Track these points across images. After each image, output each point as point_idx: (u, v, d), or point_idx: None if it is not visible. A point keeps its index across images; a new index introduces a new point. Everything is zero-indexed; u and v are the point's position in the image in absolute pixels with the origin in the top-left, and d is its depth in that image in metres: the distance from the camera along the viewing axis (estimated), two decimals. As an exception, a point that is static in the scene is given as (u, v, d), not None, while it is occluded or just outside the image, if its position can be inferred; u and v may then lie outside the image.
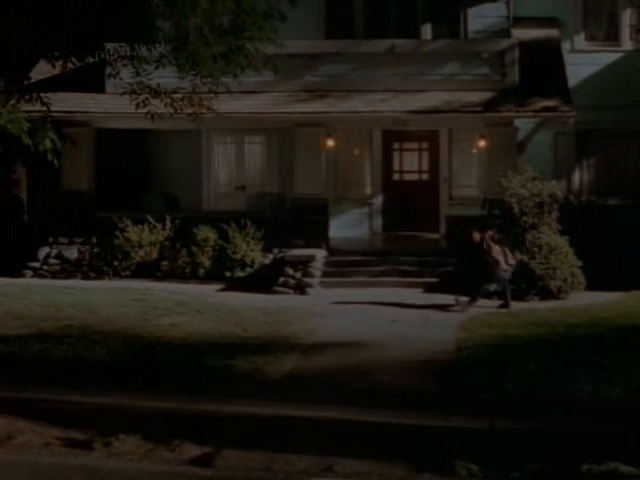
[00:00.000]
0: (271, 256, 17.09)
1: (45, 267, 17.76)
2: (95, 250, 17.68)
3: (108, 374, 10.17)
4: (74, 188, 18.08)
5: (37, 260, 17.84)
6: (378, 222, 19.63)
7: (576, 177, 19.74)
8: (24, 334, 12.18)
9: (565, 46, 18.97)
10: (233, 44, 8.55)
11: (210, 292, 16.03)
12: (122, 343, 11.68)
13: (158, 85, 10.03)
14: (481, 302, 14.94)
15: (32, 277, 17.59)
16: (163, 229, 17.39)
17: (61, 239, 17.94)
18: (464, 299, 14.66)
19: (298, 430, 8.06)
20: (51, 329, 12.53)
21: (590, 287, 15.77)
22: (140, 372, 10.24)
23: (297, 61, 16.69)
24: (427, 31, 18.73)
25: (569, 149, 19.46)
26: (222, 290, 16.32)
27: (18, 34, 10.07)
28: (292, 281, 16.03)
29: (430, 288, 16.00)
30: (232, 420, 8.33)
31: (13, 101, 9.09)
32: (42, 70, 16.10)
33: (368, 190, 19.65)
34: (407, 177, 19.94)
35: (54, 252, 17.86)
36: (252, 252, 16.81)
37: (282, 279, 16.06)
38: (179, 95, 9.83)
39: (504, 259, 14.94)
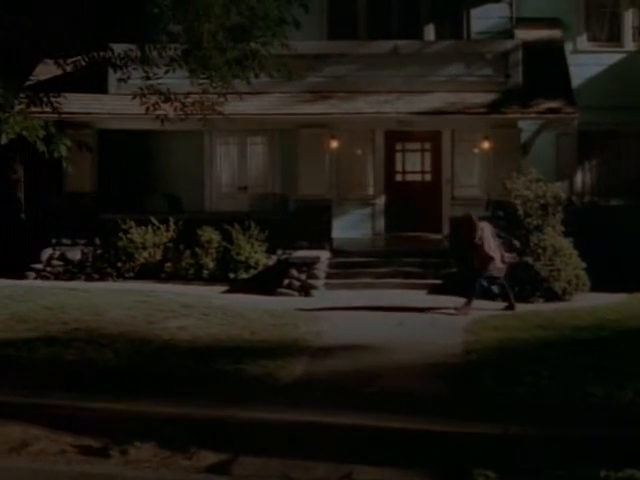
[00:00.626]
0: (275, 257, 17.08)
1: (48, 268, 17.73)
2: (98, 251, 17.66)
3: (119, 379, 10.13)
4: (76, 189, 18.05)
5: (40, 261, 17.80)
6: (380, 223, 19.62)
7: (578, 178, 19.76)
8: (31, 338, 12.14)
9: (567, 47, 18.97)
10: (247, 50, 8.54)
11: (214, 294, 16.01)
12: (131, 347, 11.65)
13: (168, 90, 9.99)
14: (485, 304, 14.95)
15: (35, 279, 17.56)
16: (167, 230, 17.36)
17: (64, 240, 17.90)
18: (462, 303, 14.53)
19: (313, 436, 8.05)
20: (58, 332, 12.48)
21: (593, 288, 15.81)
22: (151, 377, 10.21)
23: (300, 62, 16.64)
24: (430, 32, 18.72)
25: (571, 150, 19.47)
26: (226, 292, 16.30)
27: (21, 33, 10.06)
28: (297, 283, 16.03)
29: (434, 290, 16.02)
30: (247, 426, 8.31)
31: (22, 105, 9.03)
32: (41, 70, 16.11)
33: (370, 191, 19.65)
34: (409, 178, 19.93)
35: (57, 253, 17.83)
36: (256, 253, 16.80)
37: (287, 281, 16.06)
38: (190, 100, 9.79)
39: (500, 257, 14.71)
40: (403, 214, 19.52)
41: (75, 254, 17.77)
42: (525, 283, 15.50)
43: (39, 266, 17.76)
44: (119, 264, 17.31)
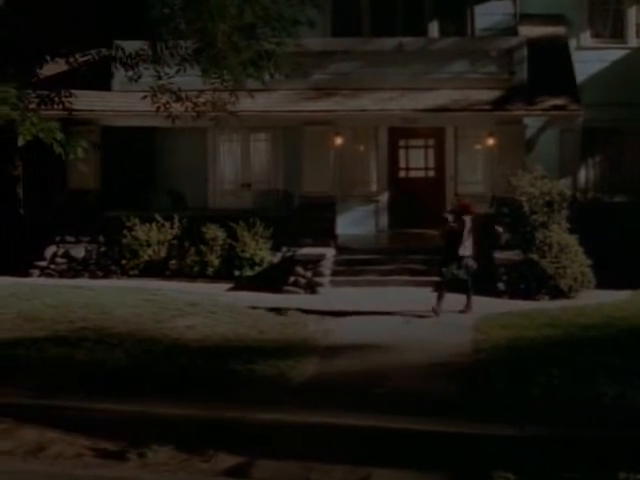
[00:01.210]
0: (280, 255, 17.05)
1: (52, 266, 17.68)
2: (102, 249, 17.61)
3: (130, 379, 10.11)
4: (80, 186, 17.96)
5: (43, 259, 17.75)
6: (384, 219, 19.60)
7: (582, 174, 19.76)
8: (39, 337, 12.12)
9: (571, 43, 18.95)
10: (262, 50, 8.52)
11: (220, 291, 15.99)
12: (140, 346, 11.63)
13: (179, 89, 9.96)
14: (491, 301, 14.97)
15: (39, 276, 17.50)
16: (171, 228, 17.33)
17: (68, 238, 17.85)
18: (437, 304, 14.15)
19: (329, 438, 8.05)
20: (66, 332, 12.47)
21: (598, 285, 15.81)
22: (162, 377, 10.20)
23: (305, 59, 16.59)
24: (434, 29, 18.69)
25: (575, 146, 19.45)
26: (232, 289, 16.28)
27: (29, 31, 10.02)
28: (302, 280, 16.02)
29: (440, 287, 15.94)
30: (262, 427, 8.31)
31: (33, 104, 8.99)
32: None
33: (374, 187, 19.62)
34: (413, 174, 19.92)
35: (61, 251, 17.78)
36: (261, 251, 16.78)
37: (292, 278, 16.04)
38: (202, 99, 9.75)
39: (470, 245, 14.39)
40: (406, 211, 19.49)
41: (79, 252, 17.72)
42: (530, 280, 15.52)
43: (43, 264, 17.71)
44: (123, 261, 17.27)
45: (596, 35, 19.58)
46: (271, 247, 17.00)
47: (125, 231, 17.28)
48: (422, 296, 15.45)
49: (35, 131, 7.53)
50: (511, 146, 17.02)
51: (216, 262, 16.90)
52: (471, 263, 14.48)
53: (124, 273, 17.26)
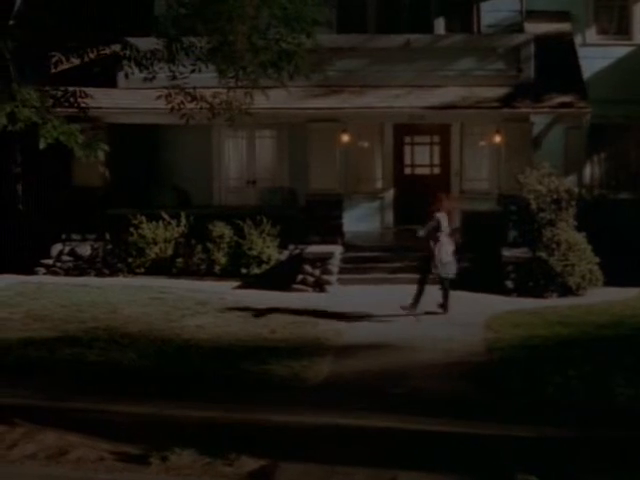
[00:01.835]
0: (287, 252, 17.01)
1: (58, 264, 17.61)
2: (108, 247, 17.54)
3: (145, 381, 10.09)
4: (85, 184, 17.89)
5: (49, 257, 17.68)
6: (389, 216, 19.56)
7: (587, 171, 19.74)
8: (50, 337, 12.08)
9: (576, 40, 18.89)
10: (282, 51, 8.47)
11: (228, 290, 15.94)
12: (152, 347, 11.61)
13: (194, 88, 9.90)
14: (499, 299, 14.97)
15: (45, 274, 17.42)
16: (177, 225, 17.27)
17: (73, 236, 17.78)
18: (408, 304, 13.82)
19: (351, 440, 8.03)
20: (77, 331, 12.42)
21: (605, 283, 15.79)
22: (178, 378, 10.18)
23: (313, 56, 16.52)
24: (440, 25, 18.61)
25: (580, 143, 19.42)
26: (239, 287, 16.24)
27: (44, 32, 9.96)
28: (311, 278, 15.99)
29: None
30: (282, 430, 8.28)
31: (49, 105, 8.91)
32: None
33: (379, 184, 19.57)
34: (418, 171, 19.87)
35: (67, 249, 17.71)
36: (268, 249, 16.74)
37: (300, 276, 16.01)
38: (217, 100, 9.70)
39: (446, 249, 13.84)
40: (411, 208, 19.43)
41: (85, 249, 17.66)
42: (539, 278, 15.51)
43: (49, 261, 17.64)
44: (130, 259, 17.21)
45: (601, 32, 19.56)
46: (278, 245, 16.96)
47: (131, 229, 17.20)
48: (431, 294, 15.43)
49: (56, 134, 7.49)
50: (518, 143, 16.99)
51: (223, 260, 16.85)
52: (449, 267, 13.93)
53: (130, 271, 17.19)
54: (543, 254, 15.50)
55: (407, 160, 19.86)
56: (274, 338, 12.22)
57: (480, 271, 16.12)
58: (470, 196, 19.04)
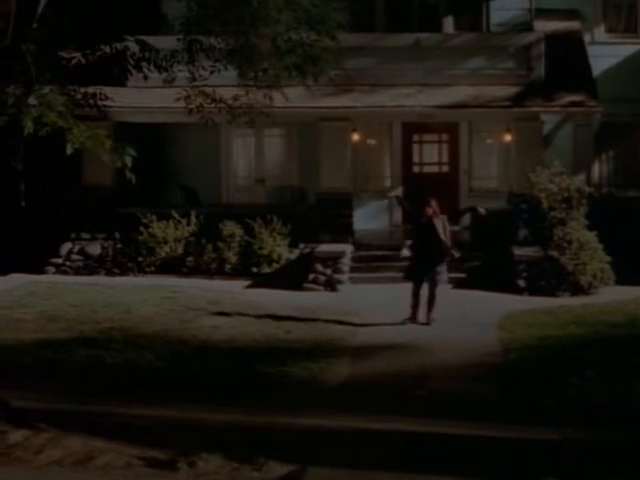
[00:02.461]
0: (297, 251, 17.02)
1: (68, 263, 17.61)
2: (118, 246, 17.53)
3: (164, 383, 10.11)
4: (93, 182, 17.86)
5: (59, 256, 17.67)
6: (397, 214, 19.48)
7: (595, 169, 19.74)
8: (65, 338, 12.07)
9: (585, 38, 18.90)
10: (308, 55, 8.46)
11: (239, 289, 15.95)
12: (169, 348, 11.61)
13: (207, 86, 9.89)
14: (510, 297, 14.99)
15: (54, 273, 17.42)
16: (188, 224, 17.26)
17: (83, 235, 17.76)
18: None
19: (375, 444, 8.03)
20: (92, 332, 12.41)
21: (617, 282, 15.81)
22: (197, 380, 10.18)
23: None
24: (449, 24, 18.59)
25: (588, 141, 19.40)
26: (250, 287, 16.24)
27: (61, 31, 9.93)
28: (322, 277, 16.00)
29: (459, 284, 15.97)
30: (307, 433, 8.28)
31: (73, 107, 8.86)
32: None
33: (388, 182, 19.56)
34: (426, 169, 19.86)
35: (76, 248, 17.70)
36: (279, 247, 16.75)
37: (312, 275, 16.02)
38: (238, 102, 9.69)
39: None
40: (420, 206, 19.39)
41: (95, 248, 17.64)
42: (550, 277, 15.54)
43: (58, 261, 17.63)
44: (140, 259, 17.20)
45: (610, 30, 19.55)
46: (288, 244, 16.96)
47: (141, 228, 17.19)
48: (442, 293, 15.42)
49: (83, 139, 7.47)
50: (529, 142, 17.01)
51: (233, 259, 16.85)
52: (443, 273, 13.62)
53: (141, 270, 17.18)
54: (555, 253, 15.51)
55: (416, 158, 19.84)
56: (290, 339, 12.22)
57: (491, 270, 16.15)
58: (479, 194, 19.04)
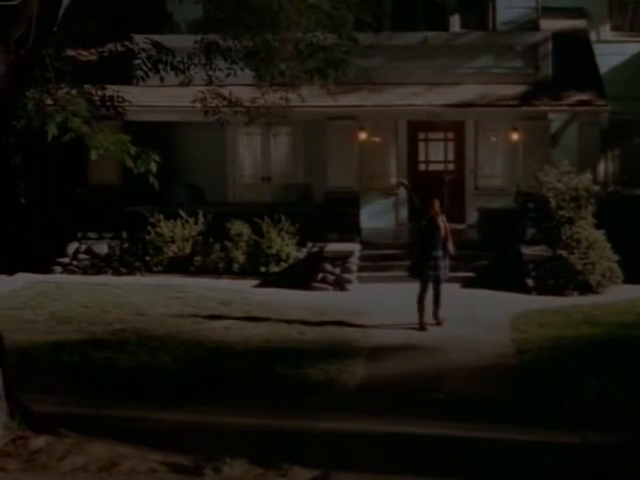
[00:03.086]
0: (305, 250, 17.00)
1: (75, 262, 17.54)
2: (125, 245, 17.48)
3: (182, 386, 10.08)
4: (100, 181, 17.80)
5: (66, 255, 17.61)
6: (403, 213, 19.49)
7: (601, 167, 19.75)
8: (78, 340, 12.03)
9: (590, 36, 18.89)
10: (330, 59, 8.44)
11: (247, 288, 15.92)
12: (183, 350, 11.58)
13: (230, 92, 9.88)
14: (519, 297, 15.00)
15: (61, 273, 17.36)
16: (195, 223, 17.23)
17: (90, 234, 17.69)
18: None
19: (398, 447, 8.03)
20: (104, 334, 12.38)
21: (625, 280, 15.81)
22: (213, 383, 10.16)
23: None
24: (455, 23, 18.56)
25: (594, 139, 19.40)
26: (259, 286, 16.21)
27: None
28: (331, 277, 15.98)
29: (468, 283, 15.98)
30: (329, 437, 8.29)
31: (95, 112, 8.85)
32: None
33: (393, 180, 19.52)
34: (432, 167, 19.84)
35: (83, 247, 17.62)
36: (287, 247, 16.72)
37: (321, 275, 16.00)
38: (255, 104, 9.68)
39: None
40: (426, 204, 19.37)
41: (102, 248, 17.58)
42: (559, 276, 15.54)
43: (65, 260, 17.56)
44: (147, 258, 17.15)
45: (616, 28, 19.52)
46: (296, 243, 16.93)
47: (149, 227, 17.14)
48: (451, 292, 15.42)
49: (108, 144, 7.45)
50: (536, 141, 17.01)
51: (241, 258, 16.81)
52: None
53: (148, 269, 17.13)
54: (564, 252, 15.51)
55: (421, 156, 19.83)
56: (303, 339, 12.21)
57: (499, 269, 16.15)
58: (485, 192, 19.07)
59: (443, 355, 11.58)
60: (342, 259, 16.15)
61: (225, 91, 10.17)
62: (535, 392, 9.96)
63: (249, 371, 10.58)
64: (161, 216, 17.19)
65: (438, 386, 10.13)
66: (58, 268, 17.47)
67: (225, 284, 16.20)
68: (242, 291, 15.53)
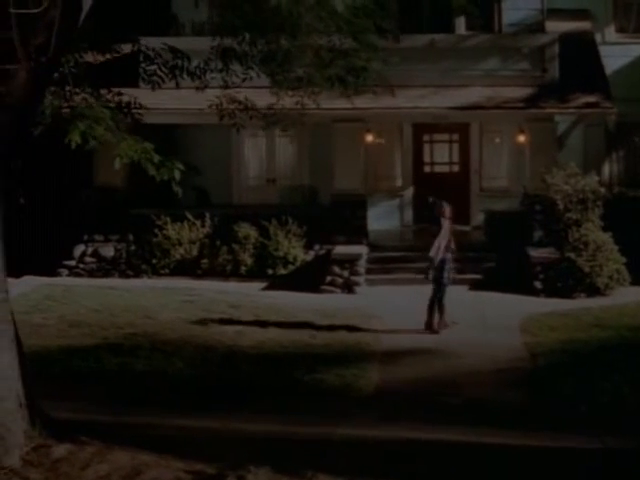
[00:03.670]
0: (312, 253, 17.00)
1: (81, 265, 17.53)
2: (132, 248, 17.45)
3: (198, 391, 10.08)
4: (106, 184, 17.76)
5: (72, 258, 17.58)
6: (409, 214, 19.55)
7: (606, 169, 19.79)
8: (91, 345, 12.01)
9: (596, 38, 18.91)
10: (350, 66, 8.43)
11: (255, 291, 15.92)
12: (196, 354, 11.58)
13: (246, 98, 9.87)
14: (528, 299, 15.02)
15: (68, 275, 17.33)
16: (202, 226, 17.21)
17: (96, 236, 17.67)
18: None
19: (420, 455, 8.02)
20: (116, 339, 12.36)
21: (632, 282, 15.85)
22: (231, 389, 10.16)
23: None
24: (461, 25, 18.55)
25: (599, 141, 19.46)
26: (266, 289, 16.20)
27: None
28: (339, 279, 15.99)
29: (475, 285, 16.00)
30: (349, 444, 8.26)
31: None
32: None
33: (398, 182, 19.56)
34: (437, 169, 19.86)
35: (90, 250, 17.61)
36: (294, 249, 16.73)
37: (329, 278, 16.00)
38: (271, 111, 9.68)
39: (446, 244, 13.38)
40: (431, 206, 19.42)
41: (108, 250, 17.56)
42: (567, 278, 15.56)
43: (72, 263, 17.54)
44: (154, 260, 17.13)
45: (620, 30, 19.56)
46: (303, 245, 16.93)
47: (156, 230, 17.13)
48: (460, 295, 15.44)
49: (132, 152, 7.43)
50: (543, 143, 17.04)
51: (249, 261, 16.81)
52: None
53: (155, 272, 17.12)
54: (572, 254, 15.54)
55: (426, 158, 19.84)
56: (316, 344, 12.22)
57: (506, 271, 16.16)
58: (490, 194, 19.09)
59: (456, 359, 11.59)
60: (350, 262, 16.15)
61: (240, 95, 10.15)
62: (550, 397, 9.99)
63: (264, 376, 10.58)
64: (168, 218, 17.17)
65: (454, 391, 10.14)
66: (64, 271, 17.44)
67: (233, 287, 16.19)
68: (250, 294, 15.53)
